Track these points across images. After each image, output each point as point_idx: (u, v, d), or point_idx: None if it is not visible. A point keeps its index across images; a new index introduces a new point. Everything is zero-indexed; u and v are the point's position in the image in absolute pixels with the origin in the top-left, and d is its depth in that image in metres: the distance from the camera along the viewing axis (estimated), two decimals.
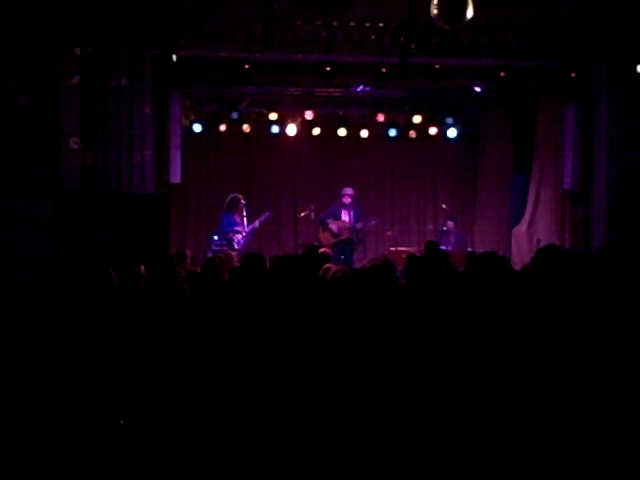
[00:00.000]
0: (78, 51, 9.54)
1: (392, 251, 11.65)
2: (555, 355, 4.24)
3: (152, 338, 4.17)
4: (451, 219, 12.79)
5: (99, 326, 4.19)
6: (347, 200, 11.98)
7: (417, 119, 13.32)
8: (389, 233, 13.03)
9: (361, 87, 12.13)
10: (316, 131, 13.55)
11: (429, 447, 3.73)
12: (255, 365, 4.14)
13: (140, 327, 4.12)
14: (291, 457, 3.63)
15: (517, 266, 7.31)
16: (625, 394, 3.90)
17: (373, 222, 12.09)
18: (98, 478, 3.37)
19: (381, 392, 4.03)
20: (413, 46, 9.70)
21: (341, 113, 13.54)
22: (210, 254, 10.51)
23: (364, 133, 13.76)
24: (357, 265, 11.01)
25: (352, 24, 9.74)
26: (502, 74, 10.66)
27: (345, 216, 12.00)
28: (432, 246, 7.71)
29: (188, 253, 8.40)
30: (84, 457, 3.41)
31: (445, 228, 12.74)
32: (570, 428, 3.78)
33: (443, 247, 11.20)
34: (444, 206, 12.91)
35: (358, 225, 11.98)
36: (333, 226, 11.88)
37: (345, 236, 11.86)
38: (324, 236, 11.87)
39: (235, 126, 13.20)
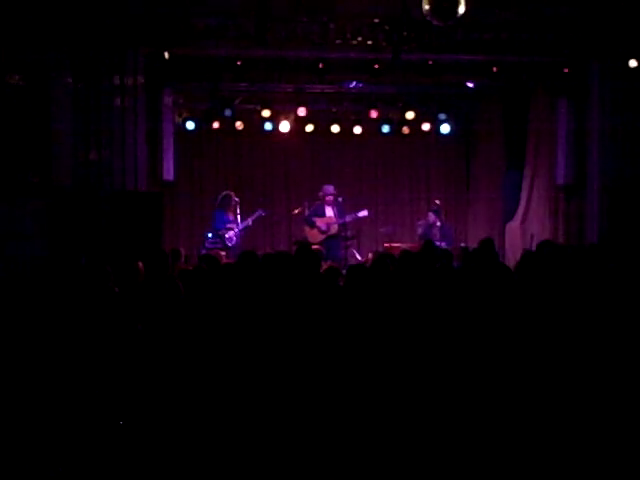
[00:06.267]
0: (70, 48, 9.49)
1: (386, 247, 11.63)
2: (550, 351, 4.25)
3: (148, 336, 4.17)
4: (432, 211, 12.61)
5: (96, 324, 4.18)
6: (330, 199, 11.90)
7: (410, 115, 13.33)
8: (383, 229, 13.01)
9: (354, 83, 12.13)
10: (309, 128, 13.56)
11: (422, 440, 3.74)
12: (251, 361, 4.13)
13: (136, 325, 4.12)
14: (289, 452, 3.63)
15: (511, 261, 7.31)
16: (620, 389, 3.91)
17: (360, 214, 11.97)
18: (97, 477, 3.37)
19: (375, 388, 4.03)
20: (406, 42, 9.69)
21: (334, 109, 13.55)
22: (204, 252, 10.48)
23: (357, 129, 13.77)
24: (351, 261, 11.01)
25: (344, 20, 9.72)
26: (495, 69, 10.68)
27: (330, 212, 11.93)
28: (429, 245, 7.70)
29: (182, 251, 8.38)
30: (82, 455, 3.40)
31: (426, 221, 12.51)
32: (565, 420, 3.79)
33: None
34: (437, 202, 12.90)
35: (347, 218, 11.88)
36: (320, 223, 11.79)
37: (333, 231, 11.82)
38: (312, 234, 11.78)
39: (228, 123, 13.19)
